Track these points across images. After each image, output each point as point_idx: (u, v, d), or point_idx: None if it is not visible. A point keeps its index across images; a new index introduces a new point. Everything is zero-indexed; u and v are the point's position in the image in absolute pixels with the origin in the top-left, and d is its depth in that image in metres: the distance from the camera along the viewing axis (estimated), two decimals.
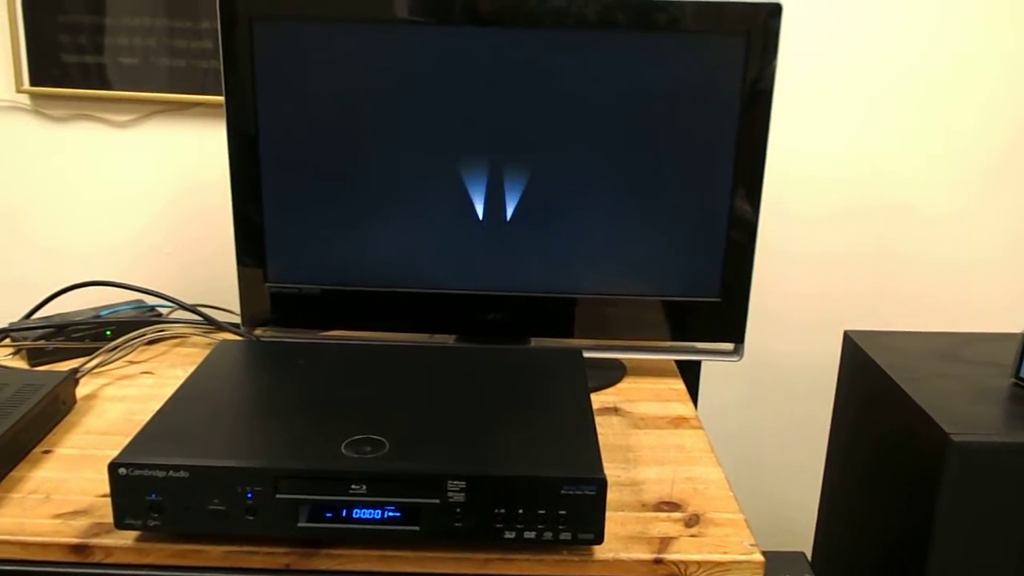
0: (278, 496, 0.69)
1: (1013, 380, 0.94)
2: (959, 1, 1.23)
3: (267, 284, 1.05)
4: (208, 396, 0.81)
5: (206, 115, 1.27)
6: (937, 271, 1.35)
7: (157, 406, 0.78)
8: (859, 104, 1.28)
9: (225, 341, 0.95)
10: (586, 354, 0.94)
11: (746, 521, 0.77)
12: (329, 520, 0.70)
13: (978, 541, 0.84)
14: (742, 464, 1.45)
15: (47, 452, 0.86)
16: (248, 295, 1.06)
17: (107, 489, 0.70)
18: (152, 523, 0.70)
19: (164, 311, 1.20)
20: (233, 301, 1.09)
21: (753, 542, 0.74)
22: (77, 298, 1.17)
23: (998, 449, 0.82)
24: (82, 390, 1.00)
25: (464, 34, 0.97)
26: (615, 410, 1.00)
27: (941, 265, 1.34)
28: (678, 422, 0.97)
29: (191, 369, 0.87)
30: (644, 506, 0.79)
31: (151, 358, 1.11)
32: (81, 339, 1.10)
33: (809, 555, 1.29)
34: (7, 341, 1.10)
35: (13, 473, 0.82)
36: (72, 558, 0.72)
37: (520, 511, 0.69)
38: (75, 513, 0.75)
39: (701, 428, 0.96)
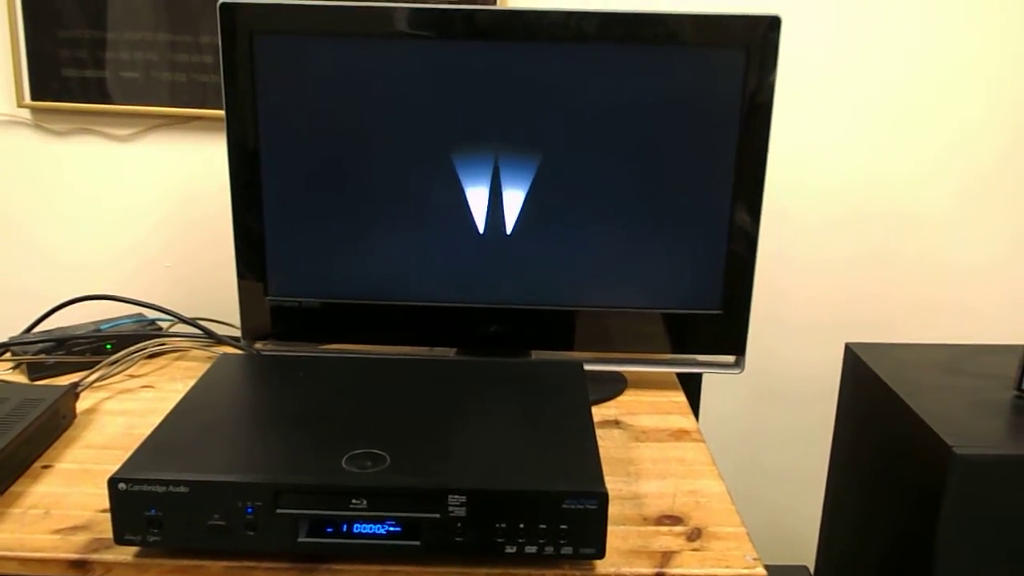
0: (278, 511, 0.69)
1: (1015, 392, 0.94)
2: (956, 6, 1.24)
3: (267, 297, 1.05)
4: (208, 410, 0.81)
5: (207, 129, 1.28)
6: (939, 281, 1.34)
7: (157, 420, 0.78)
8: (859, 113, 1.28)
9: (225, 355, 0.95)
10: (587, 367, 0.94)
11: (748, 535, 0.77)
12: (330, 535, 0.69)
13: (981, 553, 0.84)
14: (744, 477, 1.45)
15: (47, 467, 0.86)
16: (248, 308, 1.06)
17: (107, 504, 0.69)
18: (152, 539, 0.69)
19: (164, 325, 1.20)
20: (233, 315, 1.09)
21: (756, 556, 0.74)
22: (77, 312, 1.17)
23: (1000, 461, 0.82)
24: (82, 404, 0.99)
25: (463, 48, 0.97)
26: (616, 423, 0.99)
27: (943, 275, 1.34)
28: (679, 435, 0.97)
29: (191, 383, 0.87)
30: (646, 520, 0.79)
31: (151, 372, 1.11)
32: (81, 353, 1.10)
33: (812, 569, 1.29)
34: (7, 355, 1.10)
35: (13, 488, 0.82)
36: (72, 574, 0.71)
37: (521, 525, 0.69)
38: (75, 528, 0.75)
39: (703, 441, 0.95)
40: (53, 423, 0.91)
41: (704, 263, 1.02)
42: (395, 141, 1.00)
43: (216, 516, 0.69)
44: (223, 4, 0.97)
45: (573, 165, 1.00)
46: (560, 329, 1.05)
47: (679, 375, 1.12)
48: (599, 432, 0.96)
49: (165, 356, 1.16)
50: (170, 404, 0.82)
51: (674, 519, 0.79)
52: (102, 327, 1.15)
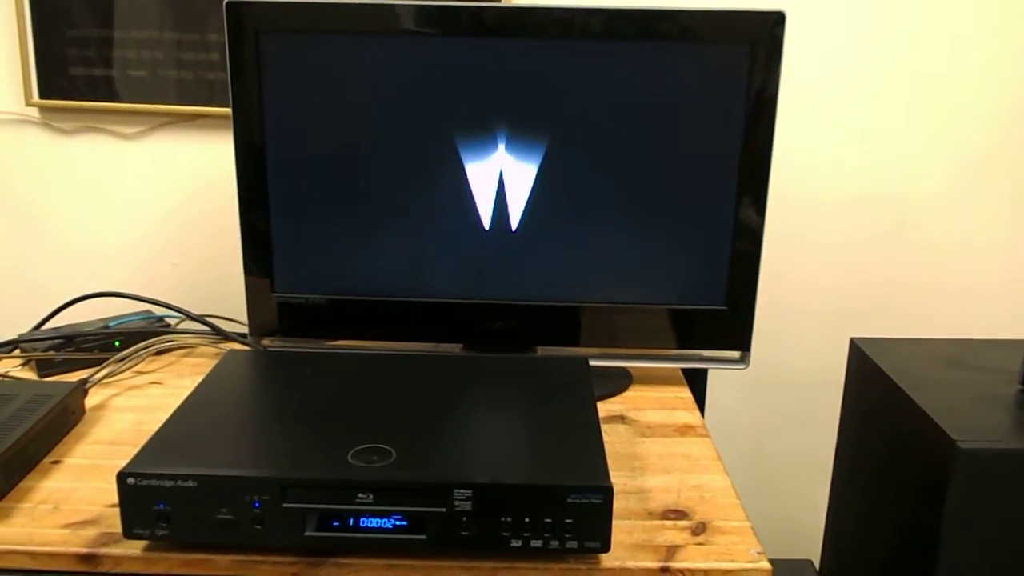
0: (285, 505, 0.69)
1: (1020, 387, 0.94)
2: (970, 18, 1.24)
3: (274, 294, 1.06)
4: (216, 406, 0.82)
5: (213, 126, 1.28)
6: (943, 265, 1.34)
7: (165, 416, 0.79)
8: (868, 108, 1.28)
9: (233, 351, 0.96)
10: (593, 363, 0.95)
11: (753, 529, 0.77)
12: (336, 529, 0.70)
13: (985, 548, 0.84)
14: (750, 471, 1.45)
15: (56, 462, 0.87)
16: (255, 305, 1.06)
17: (116, 499, 0.70)
18: (160, 532, 0.70)
19: (172, 321, 1.21)
20: (240, 311, 1.09)
21: (760, 550, 0.74)
22: (86, 309, 1.18)
23: (1005, 456, 0.82)
24: (91, 400, 1.00)
25: (469, 45, 0.97)
26: (622, 418, 1.00)
27: (947, 260, 1.34)
28: (684, 430, 0.97)
29: (199, 379, 0.88)
30: (651, 514, 0.79)
31: (159, 368, 1.12)
32: (90, 350, 1.10)
33: (817, 563, 1.29)
34: (17, 352, 1.11)
35: (23, 483, 0.82)
36: (81, 568, 0.72)
37: (526, 519, 0.69)
38: (84, 523, 0.76)
39: (708, 436, 0.96)
40: (62, 419, 0.92)
41: (709, 259, 1.02)
42: (401, 138, 1.00)
43: (224, 510, 0.69)
44: (229, 3, 0.97)
45: (578, 161, 1.00)
46: (565, 325, 1.06)
47: (685, 371, 1.13)
48: (605, 428, 0.96)
49: (173, 353, 1.17)
50: (178, 400, 0.82)
51: (679, 513, 0.80)
52: (110, 324, 1.16)
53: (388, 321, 1.06)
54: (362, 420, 0.78)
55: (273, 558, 0.71)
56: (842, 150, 1.30)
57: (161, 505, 0.69)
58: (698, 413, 1.02)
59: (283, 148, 1.01)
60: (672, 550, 0.74)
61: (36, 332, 1.14)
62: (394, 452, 0.72)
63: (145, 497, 0.69)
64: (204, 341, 1.17)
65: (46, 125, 1.29)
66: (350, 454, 0.72)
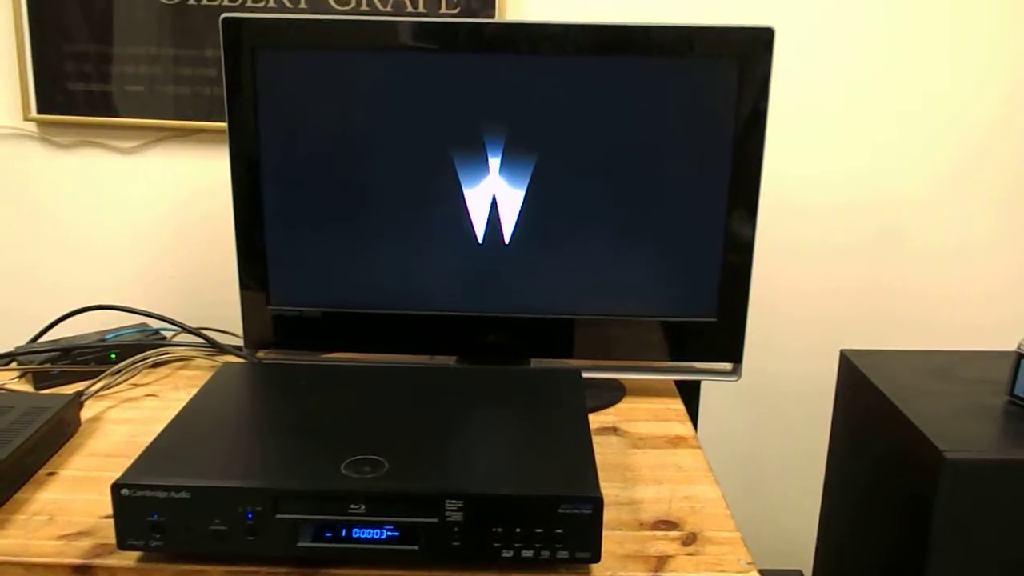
0: (278, 516, 0.70)
1: (1007, 398, 0.95)
2: (958, 21, 1.25)
3: (269, 307, 1.07)
4: (210, 417, 0.82)
5: (210, 141, 1.29)
6: (932, 271, 1.35)
7: (160, 428, 0.79)
8: (854, 125, 1.29)
9: (228, 363, 0.96)
10: (586, 375, 0.95)
11: (743, 539, 0.78)
12: (329, 540, 0.70)
13: (974, 557, 0.85)
14: (741, 483, 1.45)
15: (52, 474, 0.87)
16: (250, 318, 1.07)
17: (110, 511, 0.70)
18: (154, 544, 0.70)
19: (168, 334, 1.21)
20: (236, 324, 1.10)
21: (750, 560, 0.75)
22: (82, 322, 1.19)
23: (992, 466, 0.83)
24: (87, 413, 1.01)
25: (463, 61, 0.98)
26: (614, 430, 1.00)
27: (936, 264, 1.35)
28: (676, 441, 0.98)
29: (194, 391, 0.88)
30: (642, 525, 0.80)
31: (155, 381, 1.12)
32: (86, 362, 1.11)
33: (808, 573, 1.29)
34: (13, 365, 1.12)
35: (18, 495, 0.83)
36: None
37: (518, 530, 0.70)
38: (78, 534, 0.76)
39: (699, 448, 0.96)
40: (58, 431, 0.92)
41: (700, 272, 1.03)
42: (394, 152, 1.01)
43: (217, 521, 0.70)
44: (226, 19, 0.98)
45: (571, 175, 1.01)
46: (558, 337, 1.06)
47: (678, 383, 1.13)
48: (597, 439, 0.97)
49: (168, 365, 1.17)
50: (173, 412, 0.83)
51: (670, 524, 0.80)
52: (107, 337, 1.16)
53: (382, 333, 1.07)
54: (355, 431, 0.79)
55: (266, 569, 0.72)
56: (831, 159, 1.31)
57: (155, 516, 0.70)
58: (690, 424, 1.02)
59: (278, 162, 1.02)
60: (662, 560, 0.74)
61: (33, 345, 1.15)
62: (387, 463, 0.73)
63: (139, 508, 0.70)
64: (200, 354, 1.18)
65: (44, 139, 1.30)
66: (343, 465, 0.72)
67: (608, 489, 0.86)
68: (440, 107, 1.00)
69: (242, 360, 1.10)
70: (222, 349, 1.16)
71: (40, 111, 1.27)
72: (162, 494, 0.69)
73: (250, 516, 0.69)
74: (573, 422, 0.82)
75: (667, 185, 1.01)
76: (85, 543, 0.75)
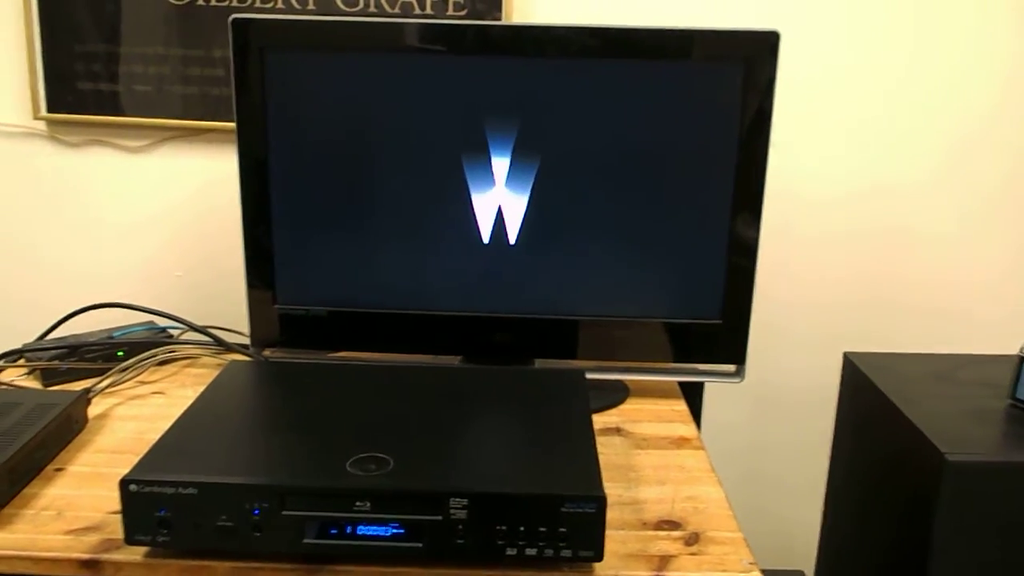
0: (284, 513, 0.70)
1: (1009, 401, 0.95)
2: (955, 21, 1.25)
3: (276, 306, 1.07)
4: (217, 415, 0.83)
5: (218, 141, 1.30)
6: (937, 294, 1.36)
7: (167, 425, 0.80)
8: (857, 124, 1.30)
9: (234, 361, 0.97)
10: (590, 375, 0.96)
11: (745, 540, 0.78)
12: (334, 536, 0.71)
13: (974, 558, 0.85)
14: (745, 483, 1.45)
15: (59, 470, 0.88)
16: (257, 317, 1.08)
17: (117, 506, 0.71)
18: (161, 539, 0.71)
19: (175, 332, 1.22)
20: (242, 322, 1.10)
21: (752, 560, 0.75)
22: (90, 319, 1.19)
23: (993, 468, 0.83)
24: (94, 410, 1.01)
25: (470, 63, 0.99)
26: (618, 431, 1.01)
27: (942, 288, 1.35)
28: (680, 442, 0.98)
29: (201, 389, 0.89)
30: (645, 525, 0.80)
31: (162, 378, 1.13)
32: (94, 360, 1.12)
33: (810, 574, 1.30)
34: (21, 361, 1.13)
35: (26, 490, 0.84)
36: (83, 573, 0.73)
37: (521, 528, 0.70)
38: (86, 529, 0.77)
39: (703, 448, 0.97)
40: (66, 428, 0.93)
41: (705, 274, 1.04)
42: (401, 153, 1.02)
43: (224, 517, 0.70)
44: (235, 19, 0.99)
45: (576, 177, 1.02)
46: (563, 338, 1.07)
47: (681, 384, 1.14)
48: (601, 440, 0.97)
49: (175, 363, 1.18)
50: (180, 410, 0.84)
51: (672, 524, 0.81)
52: (114, 334, 1.17)
53: (388, 333, 1.07)
54: (361, 430, 0.80)
55: (272, 565, 0.72)
56: (831, 152, 1.31)
57: (162, 512, 0.70)
58: (694, 426, 1.03)
59: (286, 162, 1.03)
60: (665, 560, 0.75)
61: (41, 342, 1.16)
62: (392, 461, 0.74)
63: (147, 504, 0.70)
64: (206, 352, 1.18)
65: (53, 138, 1.31)
66: (348, 463, 0.73)
67: (611, 489, 0.86)
68: (447, 108, 1.00)
69: (248, 358, 1.11)
70: (228, 347, 1.16)
71: (50, 110, 1.28)
72: (169, 490, 0.70)
73: (256, 512, 0.70)
74: (577, 422, 0.83)
75: (672, 187, 1.02)
76: (93, 538, 0.76)
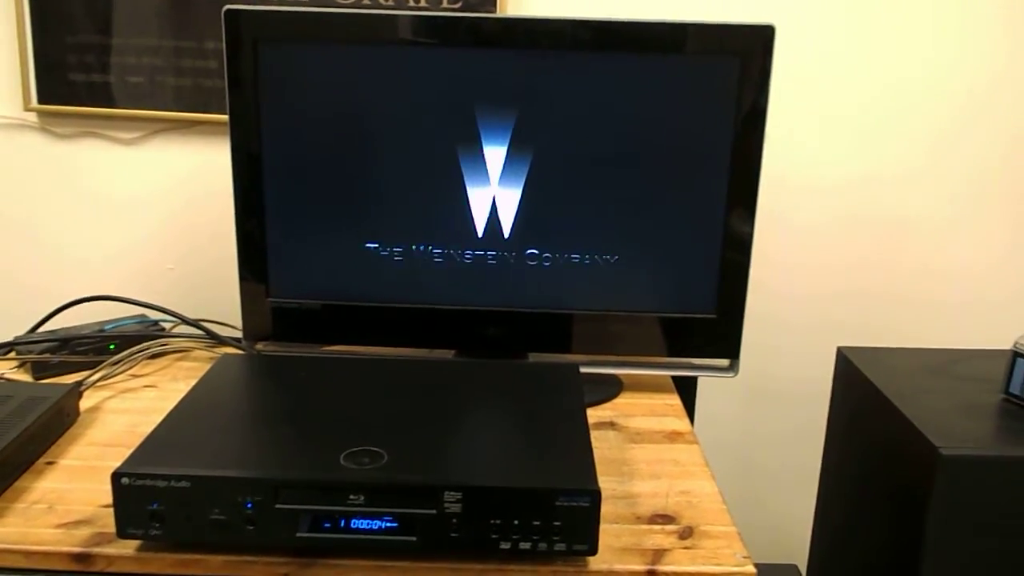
0: (277, 506, 0.70)
1: (1002, 395, 0.95)
2: (946, 10, 1.25)
3: (269, 299, 1.07)
4: (210, 408, 0.83)
5: (210, 133, 1.29)
6: (932, 284, 1.36)
7: (159, 419, 0.80)
8: (850, 113, 1.30)
9: (227, 355, 0.97)
10: (584, 369, 0.96)
11: (739, 534, 0.78)
12: (327, 530, 0.71)
13: (967, 552, 0.85)
14: (738, 477, 1.46)
15: (51, 463, 0.88)
16: (250, 310, 1.07)
17: (109, 500, 0.71)
18: (153, 532, 0.71)
19: (167, 325, 1.21)
20: (235, 316, 1.10)
21: (746, 554, 0.75)
22: (81, 312, 1.19)
23: (986, 463, 0.83)
24: (86, 403, 1.01)
25: (464, 55, 0.99)
26: (612, 425, 1.01)
27: (936, 277, 1.36)
28: (673, 437, 0.98)
29: (193, 382, 0.88)
30: (638, 519, 0.80)
31: (154, 372, 1.13)
32: (85, 353, 1.11)
33: (804, 567, 1.30)
34: (12, 354, 1.12)
35: (17, 484, 0.83)
36: (74, 567, 0.73)
37: (515, 522, 0.70)
38: (78, 523, 0.77)
39: (696, 443, 0.97)
40: (57, 421, 0.92)
41: (699, 268, 1.04)
42: (394, 145, 1.02)
43: (216, 511, 0.70)
44: (228, 11, 0.98)
45: (571, 170, 1.02)
46: (557, 332, 1.07)
47: (675, 378, 1.14)
48: (595, 434, 0.97)
49: (167, 356, 1.18)
50: (172, 403, 0.83)
51: (666, 518, 0.81)
52: (106, 327, 1.16)
53: (381, 327, 1.07)
54: (354, 423, 0.79)
55: (265, 558, 0.72)
56: (829, 159, 1.31)
57: (155, 505, 0.70)
58: (687, 420, 1.03)
59: (279, 154, 1.02)
60: (659, 554, 0.75)
61: (32, 335, 1.15)
62: (385, 454, 0.73)
63: (139, 497, 0.70)
64: (199, 345, 1.18)
65: (44, 130, 1.30)
66: (342, 456, 0.73)
67: (605, 483, 0.86)
68: (440, 100, 1.00)
69: (241, 352, 1.10)
70: (221, 341, 1.16)
71: (41, 101, 1.27)
72: (162, 483, 0.70)
73: (250, 506, 0.70)
74: (571, 416, 0.83)
75: (667, 181, 1.02)
76: (84, 531, 0.75)
